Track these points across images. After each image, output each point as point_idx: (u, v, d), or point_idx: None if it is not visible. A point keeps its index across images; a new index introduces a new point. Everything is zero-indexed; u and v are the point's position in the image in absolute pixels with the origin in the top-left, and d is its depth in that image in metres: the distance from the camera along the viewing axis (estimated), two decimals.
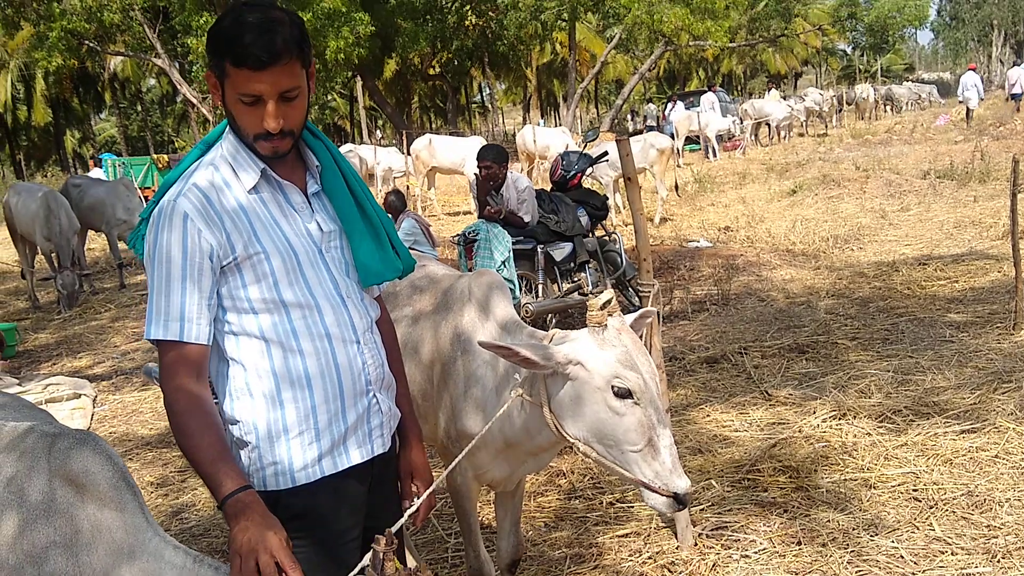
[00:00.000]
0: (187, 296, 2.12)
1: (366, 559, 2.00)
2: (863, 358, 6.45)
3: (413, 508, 2.30)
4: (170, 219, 2.14)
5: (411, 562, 1.91)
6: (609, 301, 2.62)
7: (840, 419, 5.33)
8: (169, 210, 2.15)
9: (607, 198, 8.97)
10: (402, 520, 2.16)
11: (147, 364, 6.99)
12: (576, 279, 7.77)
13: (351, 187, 2.37)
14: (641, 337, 2.76)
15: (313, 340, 2.24)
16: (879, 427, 5.16)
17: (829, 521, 4.19)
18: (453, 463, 2.54)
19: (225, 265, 2.17)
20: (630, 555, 4.16)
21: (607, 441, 2.54)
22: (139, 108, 56.63)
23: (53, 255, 11.60)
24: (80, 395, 7.42)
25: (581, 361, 2.54)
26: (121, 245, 13.16)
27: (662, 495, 2.48)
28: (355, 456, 2.33)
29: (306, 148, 2.34)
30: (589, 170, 9.03)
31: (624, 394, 2.49)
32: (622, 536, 4.35)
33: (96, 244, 17.02)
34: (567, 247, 7.76)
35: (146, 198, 16.09)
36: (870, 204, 12.88)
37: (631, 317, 2.75)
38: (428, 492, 2.43)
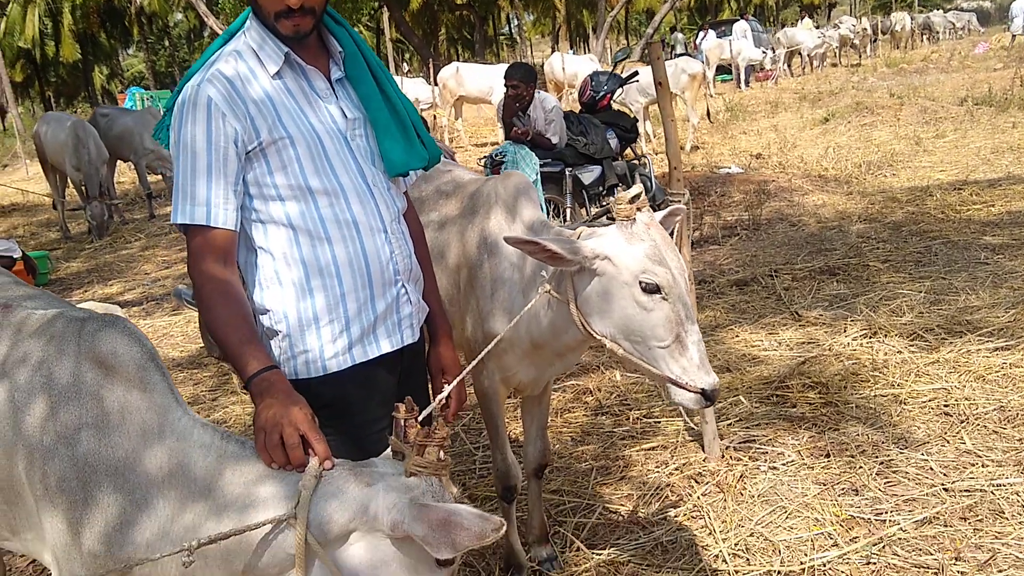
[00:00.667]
0: (212, 181, 2.11)
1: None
2: (895, 279, 6.35)
3: (443, 394, 2.29)
4: (194, 106, 2.12)
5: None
6: (638, 195, 2.56)
7: (871, 337, 5.27)
8: (193, 97, 2.13)
9: (637, 121, 8.82)
10: (433, 405, 2.15)
11: (177, 286, 7.04)
12: (604, 203, 7.69)
13: (375, 75, 2.33)
14: (672, 235, 2.71)
15: (340, 227, 2.23)
16: (910, 345, 5.09)
17: (859, 435, 4.16)
18: (481, 354, 2.52)
19: (250, 150, 2.15)
20: (656, 467, 4.17)
21: (634, 337, 2.51)
22: (166, 43, 56.45)
23: (83, 185, 11.65)
24: None
25: (609, 256, 2.50)
26: (150, 176, 13.21)
27: (689, 391, 2.45)
28: (385, 346, 2.34)
29: (329, 34, 2.30)
30: (619, 94, 8.88)
31: (652, 289, 2.44)
32: (649, 449, 4.35)
33: (125, 176, 17.08)
34: (596, 170, 7.66)
35: None
36: (904, 131, 12.60)
37: (660, 214, 2.70)
38: (457, 380, 2.42)
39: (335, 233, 2.22)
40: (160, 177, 13.21)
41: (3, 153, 25.92)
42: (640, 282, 2.45)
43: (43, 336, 2.09)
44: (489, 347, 2.52)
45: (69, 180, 12.20)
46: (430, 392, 2.63)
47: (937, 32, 35.13)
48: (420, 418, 2.00)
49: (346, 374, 2.29)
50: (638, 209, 2.57)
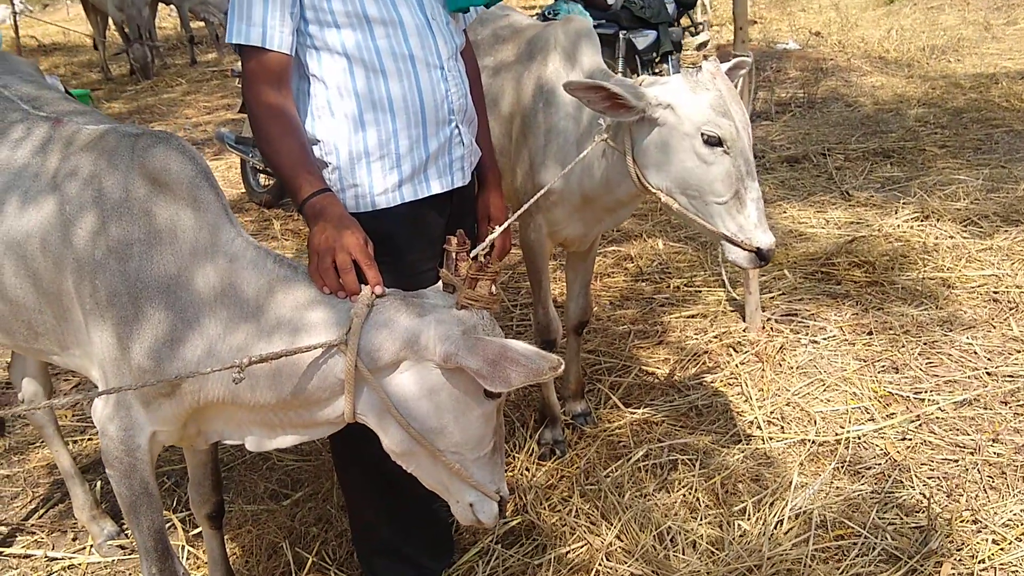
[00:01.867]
0: (268, 3, 2.05)
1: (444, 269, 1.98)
2: (952, 165, 6.16)
3: (491, 237, 2.24)
4: None
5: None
6: (706, 43, 2.49)
7: (923, 221, 5.14)
8: None
9: None
10: (483, 245, 2.10)
11: (219, 130, 6.99)
12: (658, 71, 7.47)
13: None
14: (737, 86, 2.60)
15: (396, 60, 2.16)
16: (963, 231, 4.96)
17: (903, 315, 4.10)
18: (528, 203, 2.44)
19: None
20: (695, 334, 4.15)
21: (691, 192, 2.43)
22: None
23: (124, 27, 11.49)
24: None
25: (671, 104, 2.40)
26: (193, 22, 12.98)
27: (744, 249, 2.38)
28: (435, 186, 2.29)
29: None
30: None
31: (714, 142, 2.35)
32: (688, 317, 4.32)
33: (167, 22, 16.83)
34: (651, 35, 7.39)
35: None
36: (973, 16, 12.02)
37: (727, 65, 2.58)
38: (503, 227, 2.36)
39: (390, 66, 2.16)
40: (203, 22, 12.97)
41: None
42: (702, 133, 2.36)
43: (94, 150, 2.05)
44: (538, 196, 2.45)
45: (111, 21, 12.02)
46: (476, 238, 2.60)
47: None
48: (472, 254, 1.97)
49: (395, 212, 2.26)
50: (705, 57, 2.45)
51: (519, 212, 2.43)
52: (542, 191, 2.48)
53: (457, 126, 2.30)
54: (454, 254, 1.76)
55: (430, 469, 1.89)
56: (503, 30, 3.23)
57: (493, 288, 1.76)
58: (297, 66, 2.20)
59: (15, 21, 10.54)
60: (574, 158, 2.78)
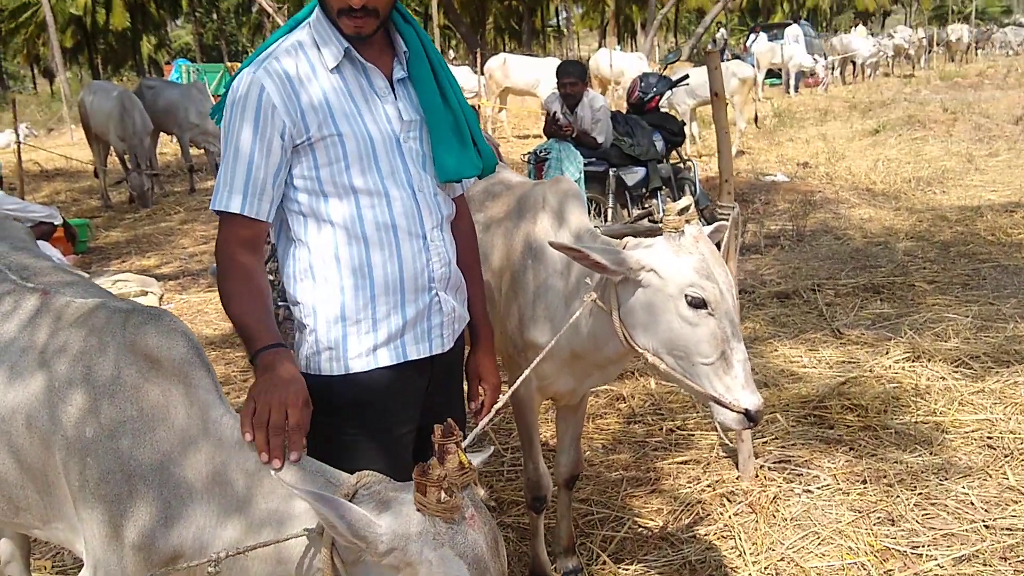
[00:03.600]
0: (253, 171, 2.11)
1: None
2: (941, 302, 6.21)
3: (489, 416, 2.23)
4: (247, 93, 2.11)
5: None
6: (688, 208, 2.50)
7: (914, 361, 5.15)
8: (247, 83, 2.12)
9: (684, 124, 8.71)
10: (479, 427, 2.09)
11: (213, 265, 7.03)
12: (647, 206, 7.59)
13: (437, 77, 2.29)
14: (721, 245, 2.63)
15: (379, 230, 2.20)
16: (955, 372, 4.97)
17: (897, 462, 4.06)
18: (521, 376, 2.46)
19: (299, 144, 2.14)
20: (688, 482, 4.09)
21: (677, 352, 2.44)
22: (215, 16, 56.83)
23: (126, 156, 11.73)
24: (147, 292, 7.54)
25: (655, 268, 2.43)
26: (193, 150, 13.26)
27: (733, 410, 2.38)
28: (412, 352, 2.30)
29: (396, 33, 2.27)
30: (667, 95, 8.76)
31: (698, 304, 2.38)
32: (681, 463, 4.28)
33: (168, 148, 17.19)
34: (640, 172, 7.55)
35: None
36: (956, 148, 12.36)
37: (709, 228, 2.63)
38: (499, 405, 2.36)
39: (373, 235, 2.20)
40: (203, 151, 13.25)
41: (49, 117, 26.21)
42: (686, 296, 2.39)
43: (84, 326, 2.06)
44: (531, 367, 2.46)
45: (112, 149, 12.28)
46: (465, 401, 2.60)
47: (994, 45, 34.41)
48: (465, 444, 1.94)
49: (371, 376, 2.26)
50: (687, 222, 2.50)
51: (516, 384, 2.43)
52: (540, 355, 2.49)
53: (437, 293, 2.31)
54: (437, 445, 1.73)
55: None
56: (495, 187, 3.30)
57: (443, 495, 1.71)
58: (283, 229, 2.27)
59: (18, 148, 10.73)
60: (563, 314, 2.81)
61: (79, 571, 3.42)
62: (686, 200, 2.54)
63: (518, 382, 2.46)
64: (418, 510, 1.71)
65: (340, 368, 2.25)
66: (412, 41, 2.26)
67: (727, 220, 3.21)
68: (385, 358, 2.27)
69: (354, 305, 2.22)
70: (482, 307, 2.60)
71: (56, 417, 1.98)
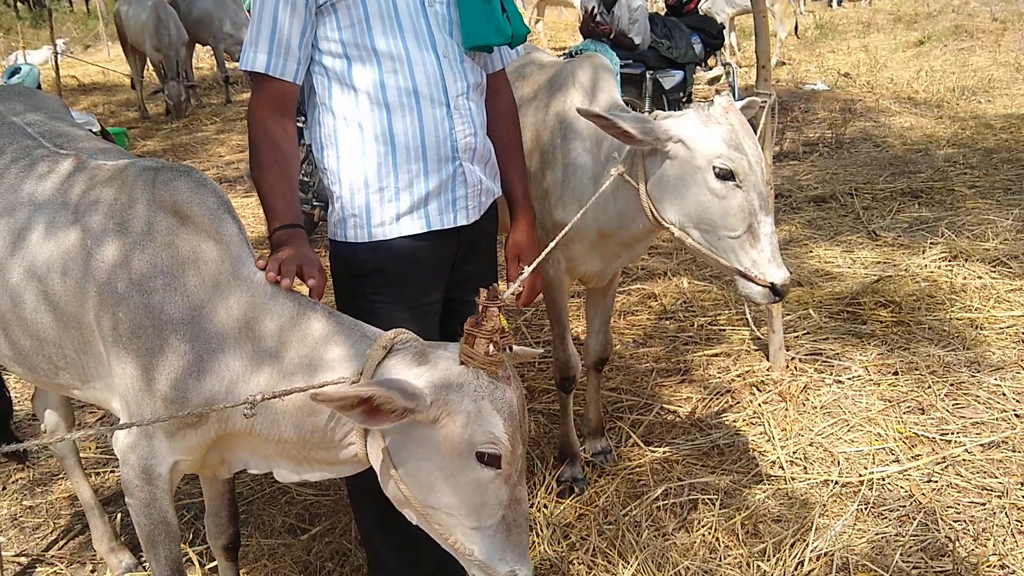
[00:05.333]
0: (278, 30, 2.12)
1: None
2: (981, 206, 6.10)
3: (518, 283, 2.25)
4: None
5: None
6: (718, 78, 2.51)
7: (951, 261, 5.08)
8: None
9: (723, 27, 8.51)
10: (511, 290, 2.10)
11: (249, 169, 7.07)
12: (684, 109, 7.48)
13: None
14: (759, 125, 2.59)
15: (400, 95, 2.20)
16: (992, 271, 4.90)
17: (929, 356, 4.04)
18: (552, 243, 2.45)
19: (322, 5, 2.14)
20: (718, 372, 4.11)
21: (704, 226, 2.43)
22: None
23: (162, 66, 11.71)
24: None
25: (683, 138, 2.40)
26: (229, 64, 13.20)
27: (758, 284, 2.38)
28: (436, 222, 2.30)
29: None
30: (706, 2, 8.55)
31: (726, 175, 2.35)
32: (711, 355, 4.29)
33: (204, 62, 17.13)
34: (678, 75, 7.41)
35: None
36: (1004, 57, 11.97)
37: (741, 102, 2.58)
38: (532, 267, 2.37)
39: (395, 101, 2.20)
40: (238, 62, 13.18)
41: (86, 34, 26.16)
42: (714, 167, 2.36)
43: (115, 183, 2.09)
44: (562, 234, 2.45)
45: (148, 61, 12.26)
46: (498, 276, 2.62)
47: None
48: (504, 296, 1.95)
49: (393, 244, 2.28)
50: (717, 92, 2.46)
51: (544, 252, 2.43)
52: (565, 229, 2.48)
53: (461, 164, 2.30)
54: (480, 306, 1.74)
55: (426, 526, 1.83)
56: (526, 68, 3.26)
57: (491, 348, 1.73)
58: (311, 96, 2.28)
59: (56, 62, 10.76)
60: (591, 192, 2.79)
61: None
62: (717, 70, 2.53)
63: (546, 251, 2.44)
64: (462, 362, 1.73)
65: (364, 235, 2.27)
66: None
67: (764, 107, 3.14)
68: (408, 227, 2.28)
69: (376, 172, 2.22)
70: (522, 186, 2.58)
71: (89, 272, 2.02)
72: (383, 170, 2.22)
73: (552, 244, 2.42)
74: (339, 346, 1.86)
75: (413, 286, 2.33)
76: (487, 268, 2.59)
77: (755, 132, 2.51)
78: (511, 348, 1.82)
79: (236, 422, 1.95)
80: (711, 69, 2.40)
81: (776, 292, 2.40)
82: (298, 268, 1.97)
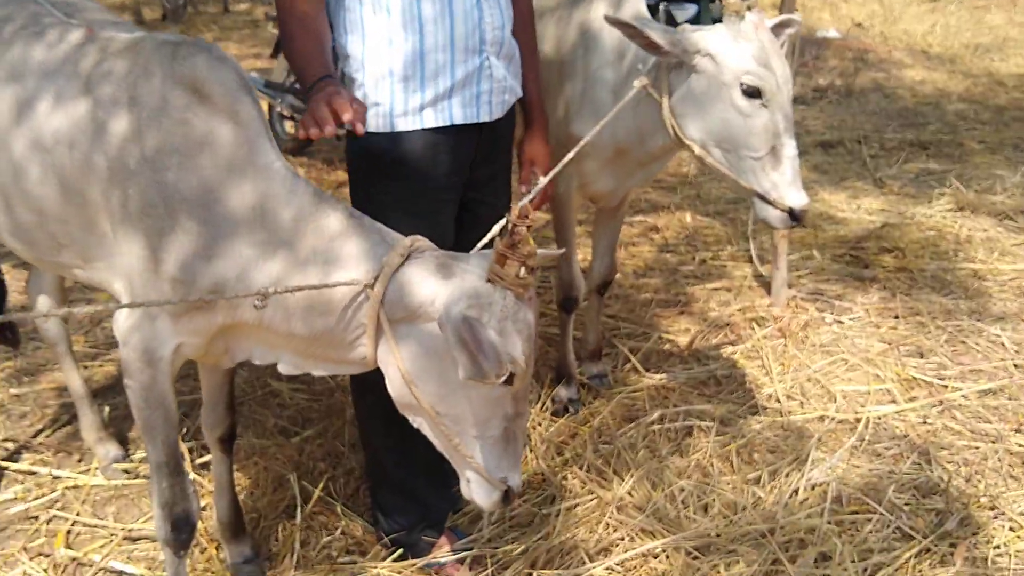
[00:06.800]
0: None
1: (497, 228, 1.95)
2: (990, 160, 6.05)
3: (534, 192, 2.20)
4: None
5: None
6: None
7: (957, 212, 5.05)
8: None
9: None
10: (525, 199, 2.05)
11: (250, 73, 6.93)
12: None
13: None
14: (782, 47, 2.52)
15: None
16: (998, 224, 4.87)
17: (931, 302, 4.02)
18: (568, 155, 2.39)
19: None
20: (718, 306, 4.08)
21: (726, 145, 2.37)
22: None
23: None
24: None
25: (711, 52, 2.33)
26: None
27: (777, 208, 2.34)
28: (458, 116, 2.26)
29: None
30: None
31: (753, 93, 2.29)
32: (712, 289, 4.26)
33: None
34: (691, 8, 7.21)
35: None
36: (1021, 17, 11.80)
37: (773, 21, 2.50)
38: (548, 178, 2.32)
39: None
40: None
41: None
42: (741, 83, 2.30)
43: (129, 55, 2.00)
44: (579, 146, 2.38)
45: None
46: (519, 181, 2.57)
47: None
48: (515, 213, 1.90)
49: (415, 135, 2.23)
50: (748, 7, 2.39)
51: (562, 164, 2.36)
52: (584, 140, 2.41)
53: (488, 57, 2.25)
54: (510, 225, 1.69)
55: (430, 431, 1.84)
56: None
57: (523, 271, 1.69)
58: None
59: None
60: (611, 108, 2.72)
61: (111, 346, 3.49)
62: None
63: (564, 161, 2.38)
64: (490, 280, 1.69)
65: (385, 125, 2.22)
66: None
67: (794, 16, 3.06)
68: (431, 119, 2.22)
69: (403, 60, 2.16)
70: (536, 90, 2.55)
71: (99, 145, 1.95)
72: (409, 58, 2.16)
73: (570, 155, 2.35)
74: (356, 245, 1.82)
75: (431, 180, 2.28)
76: (503, 170, 2.55)
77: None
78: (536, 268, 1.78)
79: (245, 312, 1.90)
80: None
81: (794, 216, 2.36)
82: (331, 110, 1.89)
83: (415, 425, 1.88)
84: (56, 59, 2.11)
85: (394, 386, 1.83)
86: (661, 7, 7.60)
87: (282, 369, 2.02)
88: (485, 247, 1.97)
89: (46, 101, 2.06)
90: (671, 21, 7.53)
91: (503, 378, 1.65)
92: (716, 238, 4.85)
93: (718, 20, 7.68)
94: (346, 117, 1.85)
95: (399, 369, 1.78)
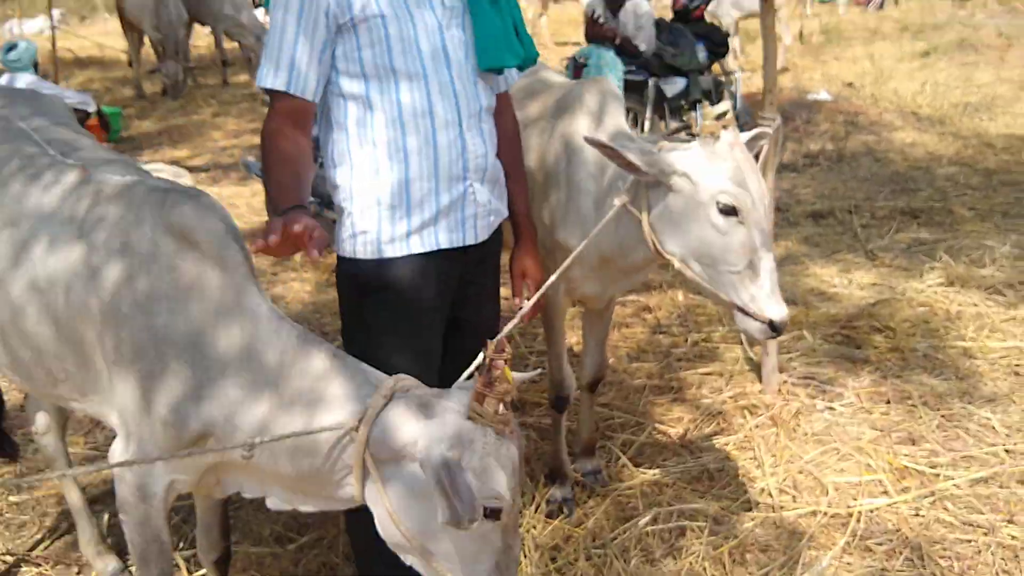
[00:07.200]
0: (299, 48, 2.12)
1: (477, 361, 1.98)
2: (980, 229, 6.11)
3: (523, 311, 2.26)
4: None
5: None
6: (725, 112, 2.49)
7: (947, 287, 5.09)
8: None
9: (728, 34, 8.49)
10: (513, 322, 2.10)
11: (245, 157, 7.05)
12: (686, 119, 7.46)
13: None
14: (757, 160, 2.59)
15: (415, 115, 2.21)
16: (988, 299, 4.91)
17: (922, 384, 4.05)
18: (553, 276, 2.46)
19: (342, 24, 2.14)
20: (711, 392, 4.11)
21: (705, 260, 2.43)
22: None
23: (160, 46, 11.64)
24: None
25: (687, 172, 2.40)
26: (226, 43, 13.12)
27: (757, 320, 2.38)
28: (444, 240, 2.32)
29: None
30: (712, 4, 8.51)
31: (729, 211, 2.36)
32: (705, 374, 4.29)
33: (201, 41, 17.02)
34: (681, 82, 7.40)
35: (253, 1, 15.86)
36: (1008, 74, 11.97)
37: (746, 135, 2.58)
38: (536, 296, 2.38)
39: (409, 120, 2.21)
40: (237, 44, 13.12)
41: (83, 4, 25.97)
42: (717, 202, 2.36)
43: (122, 202, 2.08)
44: (563, 267, 2.45)
45: (147, 39, 12.19)
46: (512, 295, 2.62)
47: None
48: (503, 334, 1.95)
49: (402, 261, 2.29)
50: (723, 127, 2.46)
51: (547, 284, 2.43)
52: (568, 260, 2.48)
53: (472, 184, 2.32)
54: (488, 361, 1.74)
55: (422, 568, 1.85)
56: (534, 84, 3.25)
57: (501, 408, 1.73)
58: (325, 112, 2.28)
59: (53, 34, 10.69)
60: (594, 217, 2.79)
61: (109, 448, 3.52)
62: (723, 105, 2.52)
63: (546, 284, 2.45)
64: (470, 418, 1.73)
65: (373, 252, 2.28)
66: None
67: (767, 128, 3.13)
68: (417, 245, 2.29)
69: (389, 189, 2.23)
70: (525, 206, 2.62)
71: (93, 289, 2.01)
72: (395, 188, 2.23)
73: (555, 276, 2.42)
74: (340, 386, 1.86)
75: (419, 302, 2.34)
76: (492, 286, 2.61)
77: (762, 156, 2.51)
78: (515, 400, 1.82)
79: (233, 453, 1.94)
80: (718, 103, 2.38)
81: (774, 328, 2.40)
82: (283, 225, 1.81)
83: (407, 562, 1.91)
84: (52, 202, 2.18)
85: (383, 525, 1.86)
86: (651, 82, 7.80)
87: (270, 504, 2.05)
88: (469, 377, 2.01)
89: (42, 244, 2.14)
90: (661, 95, 7.71)
91: (476, 524, 1.67)
92: (708, 318, 4.90)
93: (707, 92, 7.83)
94: (296, 229, 1.78)
95: (386, 509, 1.81)
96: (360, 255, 2.28)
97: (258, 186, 7.42)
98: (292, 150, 2.15)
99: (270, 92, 2.19)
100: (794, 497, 3.34)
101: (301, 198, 2.09)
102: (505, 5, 2.29)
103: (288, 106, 2.17)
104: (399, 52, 2.16)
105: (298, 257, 5.79)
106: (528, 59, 2.38)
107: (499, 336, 1.93)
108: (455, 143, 2.26)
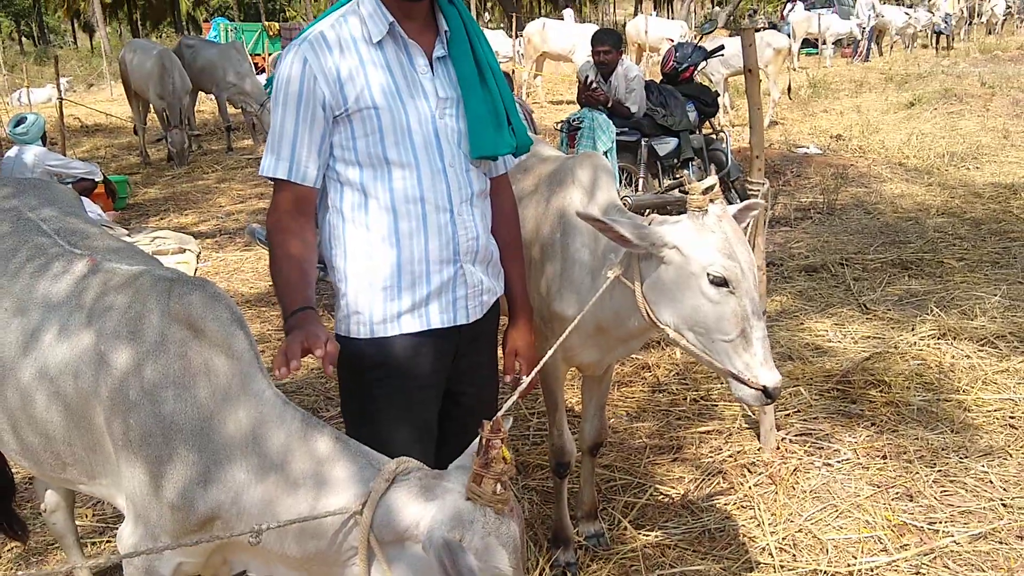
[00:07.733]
0: (299, 139, 2.23)
1: (475, 444, 2.04)
2: (970, 280, 6.21)
3: (519, 390, 2.33)
4: (291, 64, 2.24)
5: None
6: (712, 187, 2.55)
7: (940, 339, 5.17)
8: (293, 55, 2.25)
9: (718, 95, 8.67)
10: (510, 402, 2.17)
11: (250, 224, 7.17)
12: (678, 176, 7.60)
13: (476, 56, 2.38)
14: (745, 231, 2.68)
15: (408, 202, 2.30)
16: (980, 351, 4.99)
17: (918, 439, 4.12)
18: (547, 354, 2.53)
19: (338, 115, 2.24)
20: (710, 451, 4.17)
21: (698, 329, 2.51)
22: None
23: (165, 113, 11.87)
24: (185, 250, 7.70)
25: (678, 245, 2.49)
26: (230, 109, 13.37)
27: (751, 387, 2.45)
28: (436, 320, 2.40)
29: (439, 12, 2.35)
30: (702, 65, 8.71)
31: (719, 282, 2.44)
32: (704, 432, 4.35)
33: (205, 106, 17.31)
34: (672, 142, 7.56)
35: (256, 64, 16.18)
36: (992, 123, 12.19)
37: (735, 208, 2.68)
38: (536, 369, 2.45)
39: (401, 206, 2.30)
40: (240, 111, 13.36)
41: (89, 72, 26.42)
42: (708, 274, 2.45)
43: (129, 292, 2.16)
44: (559, 341, 2.53)
45: (152, 107, 12.43)
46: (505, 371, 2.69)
47: None
48: (500, 414, 2.01)
49: (395, 340, 2.37)
50: (711, 200, 2.55)
51: (545, 357, 2.50)
52: (564, 333, 2.56)
53: (462, 266, 2.41)
54: (484, 441, 1.80)
55: None
56: (527, 160, 3.34)
57: (499, 487, 1.79)
58: (323, 195, 2.38)
59: (60, 106, 10.92)
60: (589, 287, 2.88)
61: (118, 521, 3.56)
62: (711, 179, 2.59)
63: (544, 359, 2.51)
64: (469, 499, 1.80)
65: (366, 331, 2.37)
66: (454, 20, 2.34)
67: (757, 198, 3.24)
68: (409, 325, 2.37)
69: (381, 272, 2.33)
70: (521, 286, 2.69)
71: (101, 377, 2.09)
72: (388, 270, 2.32)
73: (550, 352, 2.50)
74: (344, 469, 1.92)
75: (413, 380, 2.41)
76: (488, 361, 2.67)
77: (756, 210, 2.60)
78: (514, 479, 1.88)
79: (241, 539, 2.00)
80: (705, 179, 2.48)
81: (768, 395, 2.47)
82: (304, 348, 2.00)
83: None
84: (61, 291, 2.27)
85: None
86: (643, 142, 7.95)
87: None
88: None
89: (51, 332, 2.22)
90: (653, 154, 7.84)
91: None
92: (706, 375, 4.97)
93: (698, 151, 7.97)
94: (317, 353, 1.97)
95: None
96: (355, 334, 2.37)
97: (263, 251, 7.54)
98: (299, 249, 2.25)
99: (273, 181, 2.29)
100: (794, 556, 3.39)
101: (307, 298, 2.19)
102: (498, 95, 2.38)
103: (291, 194, 2.28)
104: (392, 142, 2.26)
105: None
106: (521, 147, 2.48)
107: (496, 416, 2.00)
108: (446, 227, 2.35)
